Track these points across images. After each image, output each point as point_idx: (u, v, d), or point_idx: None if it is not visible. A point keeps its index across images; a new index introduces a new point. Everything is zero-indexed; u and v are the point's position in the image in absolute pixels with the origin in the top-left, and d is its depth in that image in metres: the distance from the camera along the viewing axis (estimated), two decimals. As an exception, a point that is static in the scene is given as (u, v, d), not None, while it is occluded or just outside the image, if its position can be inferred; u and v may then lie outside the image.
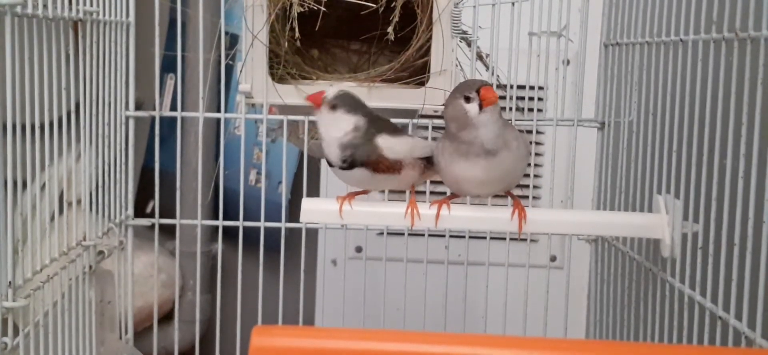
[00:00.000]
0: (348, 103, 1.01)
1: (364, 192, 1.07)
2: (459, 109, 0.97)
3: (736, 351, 0.80)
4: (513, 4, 1.22)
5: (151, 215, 1.28)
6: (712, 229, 0.92)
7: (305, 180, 1.28)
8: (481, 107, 0.96)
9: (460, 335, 0.51)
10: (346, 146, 1.00)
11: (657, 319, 1.05)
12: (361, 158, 1.00)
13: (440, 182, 1.06)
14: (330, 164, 1.03)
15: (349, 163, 1.01)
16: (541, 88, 1.31)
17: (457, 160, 0.98)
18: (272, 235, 1.28)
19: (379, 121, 1.03)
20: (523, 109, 1.41)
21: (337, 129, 1.00)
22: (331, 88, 1.02)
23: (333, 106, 1.00)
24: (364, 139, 1.00)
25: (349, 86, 1.18)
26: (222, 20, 1.24)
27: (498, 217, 1.02)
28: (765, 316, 0.81)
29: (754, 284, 0.83)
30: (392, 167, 1.01)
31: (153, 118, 1.27)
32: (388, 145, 1.01)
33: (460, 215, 1.03)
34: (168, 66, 1.70)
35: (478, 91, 0.96)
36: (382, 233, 1.39)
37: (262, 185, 1.31)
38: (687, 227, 0.97)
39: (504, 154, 0.97)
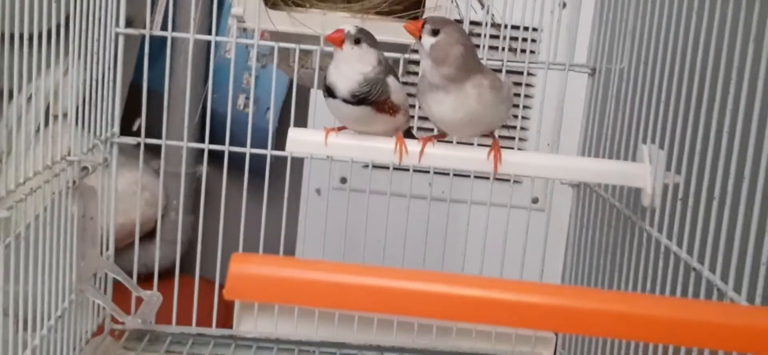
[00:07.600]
0: (369, 37, 0.99)
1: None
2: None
3: (706, 304, 0.81)
4: (511, -58, 1.21)
5: (137, 133, 1.27)
6: (693, 181, 0.93)
7: (293, 109, 1.28)
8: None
9: (435, 273, 0.52)
10: (367, 82, 0.98)
11: (632, 266, 1.07)
12: (373, 96, 0.98)
13: (426, 119, 1.06)
14: (330, 96, 1.00)
15: (358, 99, 0.98)
16: (535, 29, 1.30)
17: (424, 93, 0.98)
18: (258, 160, 1.28)
19: (386, 61, 1.02)
20: (516, 50, 1.40)
21: (363, 63, 0.98)
22: (344, 25, 0.98)
23: (356, 41, 0.98)
24: (381, 77, 0.99)
25: (342, 17, 1.17)
26: (216, -60, 1.22)
27: (474, 157, 1.02)
28: (738, 270, 0.83)
29: (730, 238, 0.84)
30: (392, 109, 1.00)
31: (143, 36, 1.25)
32: (395, 87, 1.00)
33: (439, 153, 1.03)
34: (160, -17, 1.68)
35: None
36: (367, 166, 1.40)
37: (250, 110, 1.31)
38: (669, 178, 0.98)
39: (458, 94, 0.95)
